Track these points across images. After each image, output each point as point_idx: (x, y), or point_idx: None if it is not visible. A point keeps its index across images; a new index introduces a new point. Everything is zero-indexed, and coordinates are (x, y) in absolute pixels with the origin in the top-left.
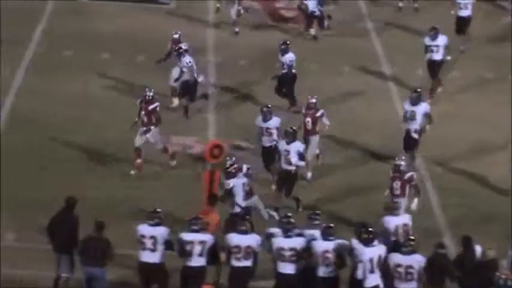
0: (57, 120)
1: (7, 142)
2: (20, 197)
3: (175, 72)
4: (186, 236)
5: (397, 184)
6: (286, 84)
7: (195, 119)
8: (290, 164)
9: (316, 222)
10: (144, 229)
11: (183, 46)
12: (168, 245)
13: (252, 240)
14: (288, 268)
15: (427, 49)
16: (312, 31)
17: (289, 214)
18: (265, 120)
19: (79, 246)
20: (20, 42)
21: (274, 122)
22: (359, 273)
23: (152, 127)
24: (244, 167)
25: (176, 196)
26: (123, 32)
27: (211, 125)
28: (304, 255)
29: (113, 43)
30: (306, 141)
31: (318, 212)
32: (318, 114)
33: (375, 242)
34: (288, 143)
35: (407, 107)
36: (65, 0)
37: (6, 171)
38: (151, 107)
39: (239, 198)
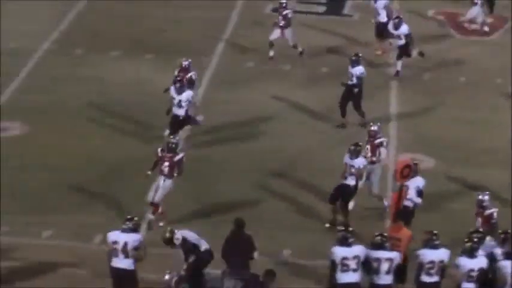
0: (233, 132)
1: (190, 153)
2: (198, 204)
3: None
4: (373, 253)
5: (478, 221)
6: (352, 96)
7: None
8: (407, 200)
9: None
10: (345, 251)
11: (193, 76)
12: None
13: (444, 254)
14: (471, 286)
15: None
16: (399, 65)
17: (480, 229)
18: (351, 157)
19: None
20: (204, 53)
21: (359, 161)
22: None
23: (171, 180)
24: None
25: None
26: (305, 44)
27: (391, 138)
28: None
29: (295, 54)
30: (369, 170)
31: (510, 231)
32: (376, 142)
33: None
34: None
35: None
36: (248, 11)
37: (182, 179)
38: (177, 158)
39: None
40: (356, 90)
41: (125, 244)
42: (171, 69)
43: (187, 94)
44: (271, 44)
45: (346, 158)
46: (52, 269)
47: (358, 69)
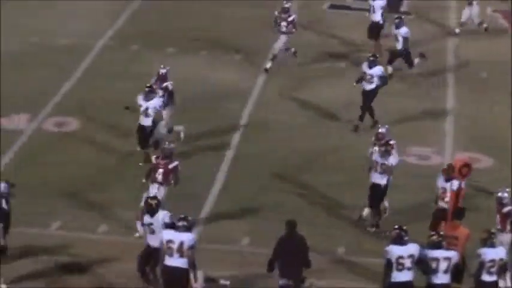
0: (285, 127)
1: (244, 149)
2: (254, 202)
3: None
4: (431, 253)
5: (497, 218)
6: (369, 96)
7: (433, 129)
8: (446, 202)
9: None
10: (400, 250)
11: (169, 86)
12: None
13: (502, 252)
14: None
15: None
16: (389, 69)
17: (498, 226)
18: (382, 156)
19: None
20: (258, 51)
21: (391, 160)
22: None
23: (164, 187)
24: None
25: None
26: (358, 42)
27: (448, 136)
28: None
29: (350, 52)
30: None
31: None
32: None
33: None
34: (446, 180)
35: None
36: (306, 10)
37: (241, 177)
38: (171, 165)
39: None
40: (374, 89)
41: (181, 243)
42: (224, 67)
43: (156, 102)
44: (274, 57)
45: (376, 157)
46: (106, 264)
47: (379, 69)
